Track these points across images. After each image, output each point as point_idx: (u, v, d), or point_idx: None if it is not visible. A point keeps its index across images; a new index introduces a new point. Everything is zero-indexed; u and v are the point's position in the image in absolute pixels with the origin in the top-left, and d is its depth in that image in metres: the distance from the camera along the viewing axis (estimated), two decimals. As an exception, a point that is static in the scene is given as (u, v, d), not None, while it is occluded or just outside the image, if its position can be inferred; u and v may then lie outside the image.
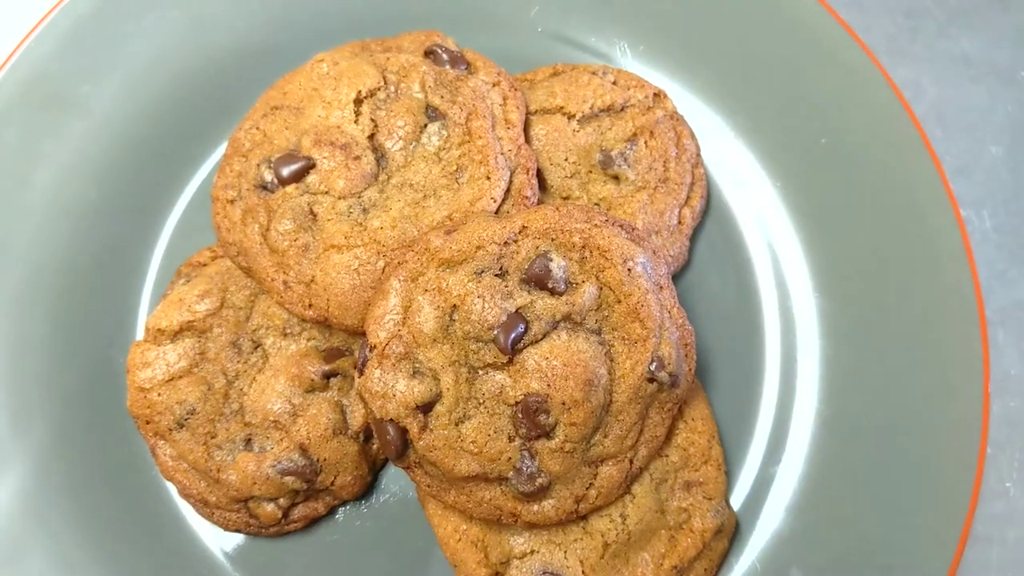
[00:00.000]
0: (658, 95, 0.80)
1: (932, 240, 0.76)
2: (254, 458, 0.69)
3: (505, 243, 0.61)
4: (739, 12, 0.82)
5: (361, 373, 0.62)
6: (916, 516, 0.71)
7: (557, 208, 0.63)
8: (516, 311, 0.60)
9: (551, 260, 0.61)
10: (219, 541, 0.75)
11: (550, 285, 0.61)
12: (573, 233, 0.62)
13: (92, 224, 0.80)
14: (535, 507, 0.63)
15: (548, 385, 0.60)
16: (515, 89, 0.74)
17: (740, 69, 0.82)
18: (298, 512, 0.73)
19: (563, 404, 0.60)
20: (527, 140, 0.75)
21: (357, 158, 0.68)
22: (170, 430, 0.70)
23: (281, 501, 0.71)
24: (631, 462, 0.64)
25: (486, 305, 0.60)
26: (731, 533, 0.72)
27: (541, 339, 0.61)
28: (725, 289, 0.80)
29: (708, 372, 0.76)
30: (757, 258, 0.80)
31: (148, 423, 0.71)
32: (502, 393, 0.61)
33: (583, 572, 0.66)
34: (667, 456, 0.71)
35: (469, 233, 0.62)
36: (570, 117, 0.77)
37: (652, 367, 0.61)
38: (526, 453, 0.61)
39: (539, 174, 0.74)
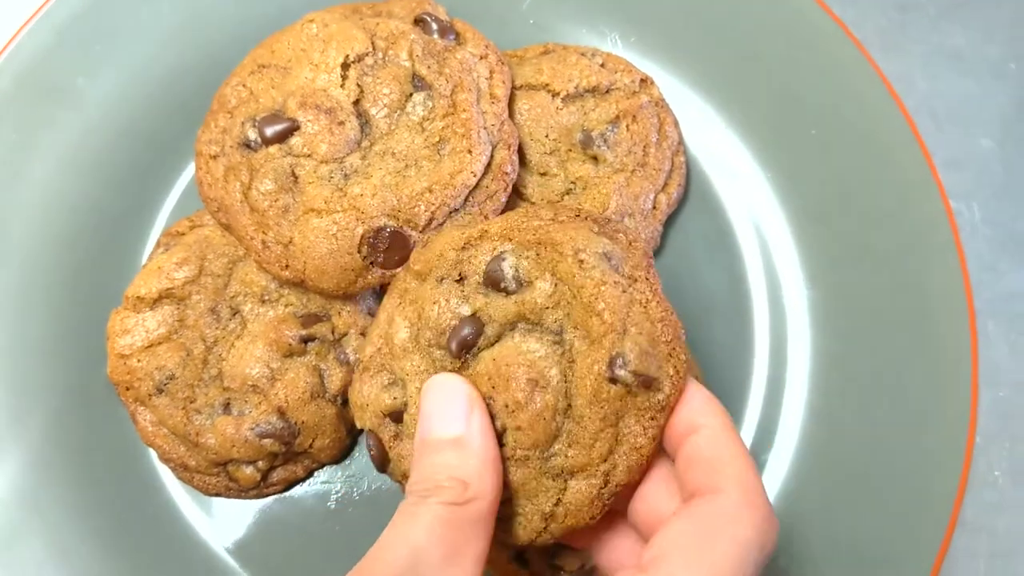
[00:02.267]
0: (645, 81, 0.80)
1: (922, 232, 0.76)
2: (233, 422, 0.70)
3: (463, 248, 0.60)
4: (731, 4, 0.83)
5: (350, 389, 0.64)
6: (905, 504, 0.71)
7: (525, 211, 0.62)
8: (471, 315, 0.58)
9: (504, 260, 0.58)
10: (216, 531, 0.75)
11: (502, 286, 0.58)
12: (529, 231, 0.59)
13: (88, 215, 0.80)
14: (502, 527, 0.58)
15: (493, 387, 0.57)
16: (502, 63, 0.75)
17: (732, 60, 0.83)
18: (277, 475, 0.73)
19: (507, 407, 0.56)
20: (511, 114, 0.75)
21: (341, 123, 0.68)
22: (150, 395, 0.71)
23: (260, 464, 0.71)
24: (605, 478, 0.57)
25: (440, 311, 0.59)
26: None
27: (496, 342, 0.59)
28: (715, 279, 0.80)
29: (697, 360, 0.76)
30: (747, 248, 0.80)
31: (128, 389, 0.71)
32: None
33: None
34: None
35: (434, 243, 0.61)
36: (555, 95, 0.77)
37: (614, 366, 0.54)
38: None
39: (520, 149, 0.74)
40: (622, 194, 0.76)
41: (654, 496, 0.57)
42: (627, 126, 0.77)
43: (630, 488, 0.57)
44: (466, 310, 0.59)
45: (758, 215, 0.80)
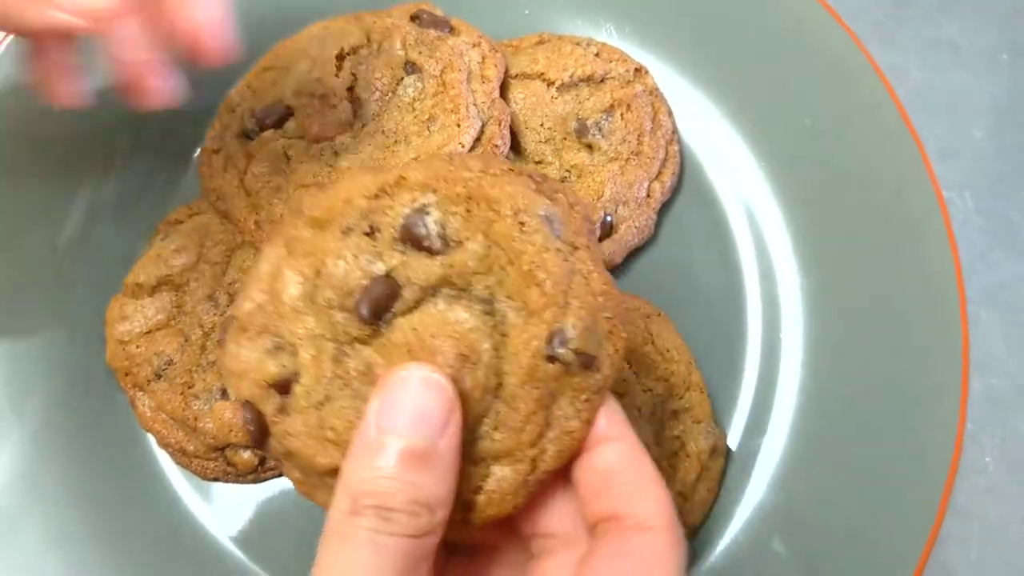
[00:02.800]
0: (639, 70, 0.81)
1: (915, 221, 0.76)
2: (231, 406, 0.70)
3: (376, 196, 0.51)
4: (726, -5, 0.84)
5: (220, 348, 0.53)
6: (897, 490, 0.71)
7: (450, 157, 0.53)
8: (384, 275, 0.49)
9: (427, 214, 0.50)
10: (214, 516, 0.76)
11: (425, 244, 0.49)
12: (457, 183, 0.51)
13: (88, 203, 0.80)
14: None
15: (415, 360, 0.48)
16: (495, 51, 0.76)
17: (726, 51, 0.83)
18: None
19: None
20: (506, 102, 0.76)
21: (333, 106, 0.70)
22: (148, 381, 0.72)
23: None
24: (533, 464, 0.50)
25: (348, 267, 0.49)
26: (724, 451, 0.73)
27: (415, 308, 0.50)
28: (709, 267, 0.80)
29: (692, 348, 0.76)
30: (740, 237, 0.81)
31: (127, 375, 0.72)
32: (369, 372, 0.49)
33: None
34: (651, 390, 0.72)
35: (338, 187, 0.52)
36: (550, 84, 0.78)
37: (553, 343, 0.48)
38: None
39: (514, 138, 0.75)
40: (616, 182, 0.76)
41: (546, 507, 0.51)
42: (621, 115, 0.78)
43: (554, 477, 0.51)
44: (380, 268, 0.49)
45: (752, 204, 0.81)
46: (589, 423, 0.49)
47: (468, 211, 0.50)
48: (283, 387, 0.50)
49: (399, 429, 0.44)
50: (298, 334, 0.50)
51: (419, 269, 0.49)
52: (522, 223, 0.49)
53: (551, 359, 0.48)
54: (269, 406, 0.50)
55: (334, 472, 0.49)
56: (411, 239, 0.50)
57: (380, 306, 0.49)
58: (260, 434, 0.51)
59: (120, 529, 0.74)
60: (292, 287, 0.50)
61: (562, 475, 0.50)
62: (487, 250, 0.49)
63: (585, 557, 0.47)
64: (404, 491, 0.44)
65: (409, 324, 0.49)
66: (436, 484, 0.45)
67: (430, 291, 0.50)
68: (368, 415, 0.45)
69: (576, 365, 0.48)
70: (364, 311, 0.49)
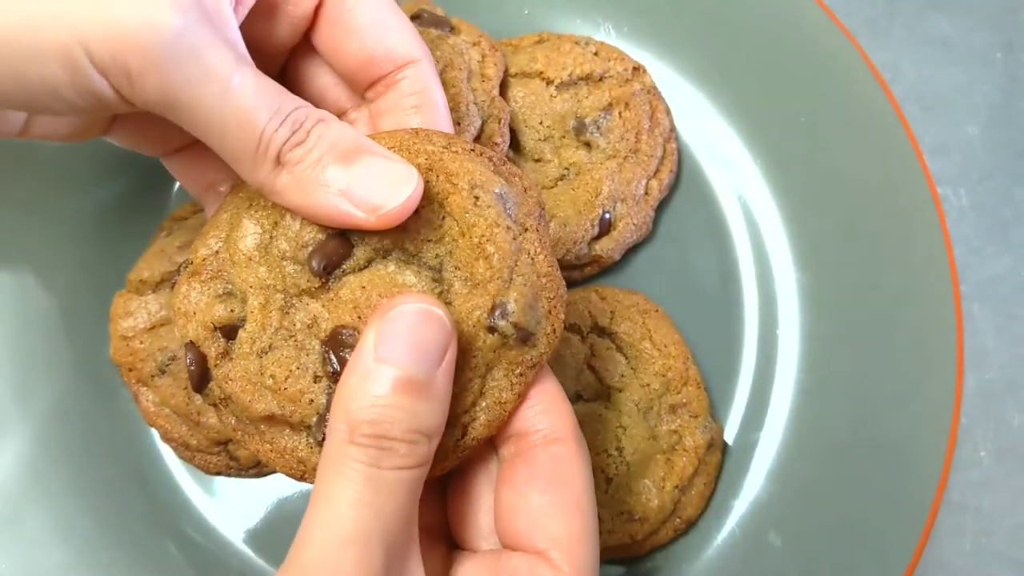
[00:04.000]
0: (637, 69, 0.82)
1: (909, 217, 0.77)
2: (231, 402, 0.71)
3: None
4: (723, -6, 0.84)
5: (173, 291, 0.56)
6: (892, 484, 0.72)
7: (415, 131, 0.55)
8: (340, 233, 0.52)
9: None
10: (217, 510, 0.76)
11: None
12: (420, 154, 0.53)
13: (93, 198, 0.81)
14: None
15: (359, 318, 0.51)
16: (495, 49, 0.76)
17: (722, 49, 0.84)
18: (275, 455, 0.74)
19: None
20: (506, 101, 0.77)
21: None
22: (152, 376, 0.72)
23: (260, 443, 0.72)
24: (464, 430, 0.52)
25: (303, 222, 0.52)
26: (721, 445, 0.74)
27: (364, 267, 0.52)
28: (706, 262, 0.81)
29: (689, 343, 0.77)
30: (737, 233, 0.81)
31: (131, 370, 0.73)
32: (314, 325, 0.52)
33: None
34: (648, 385, 0.73)
35: None
36: (549, 82, 0.79)
37: (495, 315, 0.50)
38: (332, 397, 0.51)
39: (513, 136, 0.76)
40: (614, 179, 0.77)
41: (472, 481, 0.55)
42: (619, 113, 0.79)
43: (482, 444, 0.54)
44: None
45: (748, 200, 0.81)
46: (521, 396, 0.52)
47: (427, 182, 0.51)
48: (229, 332, 0.53)
49: (398, 359, 0.45)
50: (249, 282, 0.52)
51: (373, 232, 0.51)
52: (477, 197, 0.51)
53: (491, 330, 0.50)
54: (212, 350, 0.53)
55: (270, 419, 0.52)
56: None
57: (331, 261, 0.51)
58: (201, 377, 0.53)
59: (124, 522, 0.74)
60: (249, 237, 0.53)
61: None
62: (441, 220, 0.52)
63: (502, 471, 0.52)
64: (403, 419, 0.45)
65: (358, 282, 0.51)
66: (433, 413, 0.46)
67: (381, 253, 0.52)
68: (365, 344, 0.46)
69: (514, 339, 0.50)
70: (315, 264, 0.51)
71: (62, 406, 0.76)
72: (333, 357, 0.50)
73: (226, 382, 0.52)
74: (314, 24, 0.58)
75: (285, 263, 0.52)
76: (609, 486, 0.70)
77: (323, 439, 0.49)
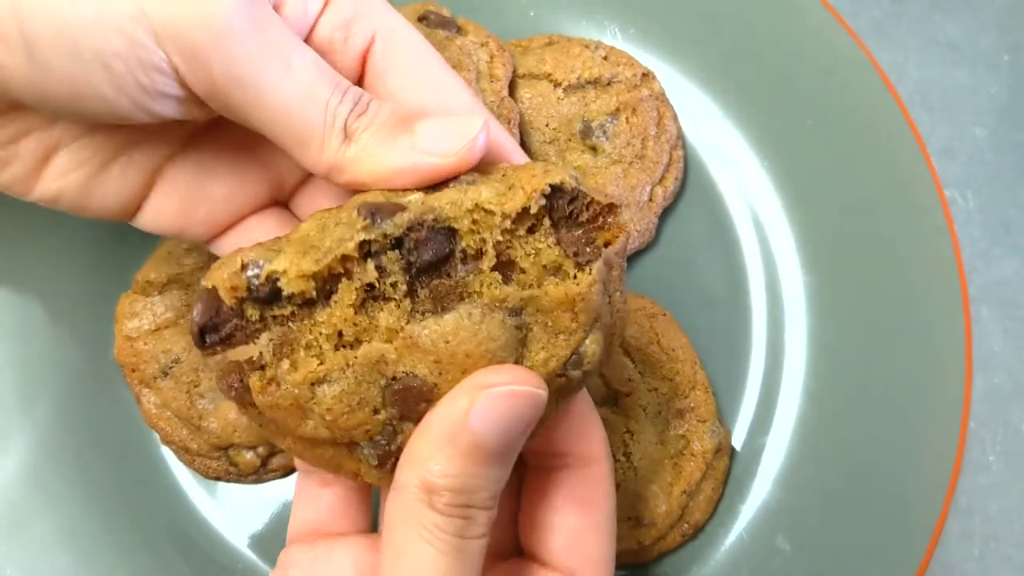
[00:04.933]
0: (646, 75, 0.81)
1: (916, 219, 0.77)
2: (235, 407, 0.70)
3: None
4: (728, -3, 0.84)
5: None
6: (900, 487, 0.72)
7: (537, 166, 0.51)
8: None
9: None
10: (220, 513, 0.76)
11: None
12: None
13: None
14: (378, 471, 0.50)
15: (440, 373, 0.46)
16: (503, 50, 0.76)
17: (729, 52, 0.84)
18: (276, 461, 0.74)
19: (441, 395, 0.47)
20: (512, 100, 0.76)
21: None
22: (155, 378, 0.72)
23: (260, 450, 0.72)
24: None
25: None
26: (729, 450, 0.74)
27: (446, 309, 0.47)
28: (712, 268, 0.81)
29: (697, 348, 0.77)
30: (744, 237, 0.81)
31: (134, 371, 0.72)
32: (380, 363, 0.47)
33: None
34: (656, 389, 0.73)
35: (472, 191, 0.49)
36: (556, 85, 0.78)
37: (568, 364, 0.48)
38: (390, 429, 0.48)
39: (520, 137, 0.75)
40: (619, 185, 0.77)
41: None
42: (627, 118, 0.78)
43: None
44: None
45: (755, 204, 0.81)
46: (560, 415, 0.52)
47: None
48: (272, 295, 0.47)
49: (493, 434, 0.44)
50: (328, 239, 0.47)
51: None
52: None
53: (560, 375, 0.48)
54: (258, 381, 0.47)
55: (314, 441, 0.48)
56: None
57: (433, 259, 0.47)
58: (241, 399, 0.49)
59: (127, 525, 0.74)
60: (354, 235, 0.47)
61: None
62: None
63: (535, 487, 0.52)
64: (487, 488, 0.44)
65: (441, 333, 0.46)
66: (506, 476, 0.46)
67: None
68: (456, 408, 0.44)
69: (577, 381, 0.49)
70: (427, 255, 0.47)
71: (66, 409, 0.75)
72: (405, 405, 0.47)
73: (271, 410, 0.48)
74: (361, 80, 0.55)
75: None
76: (617, 491, 0.70)
77: (378, 463, 0.48)
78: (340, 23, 0.52)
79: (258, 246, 0.48)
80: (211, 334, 0.48)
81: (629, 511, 0.70)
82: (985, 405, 0.81)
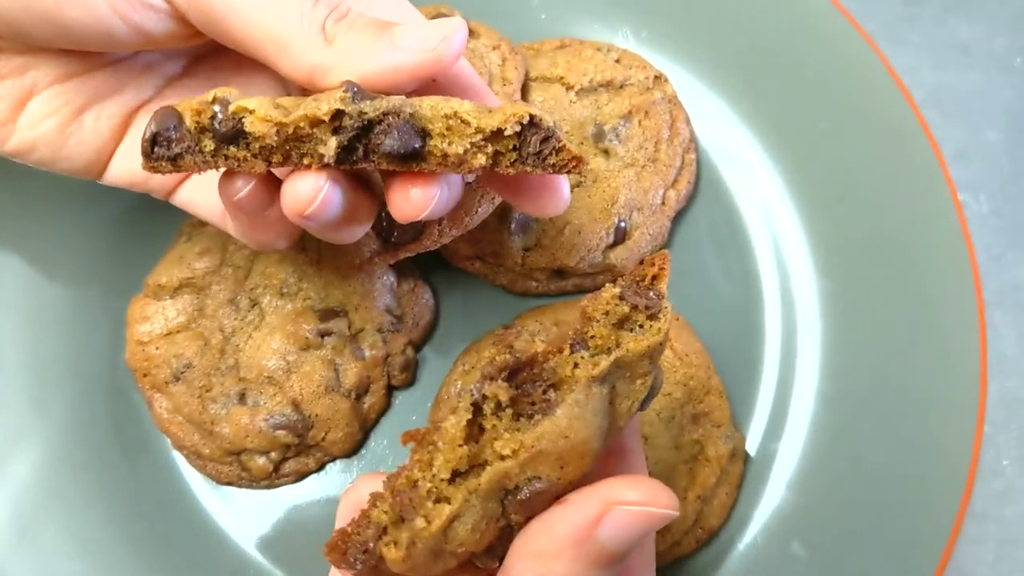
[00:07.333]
0: (659, 78, 0.81)
1: (930, 223, 0.77)
2: (247, 412, 0.70)
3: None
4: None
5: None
6: (915, 493, 0.72)
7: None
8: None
9: None
10: (232, 518, 0.75)
11: None
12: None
13: (112, 203, 0.79)
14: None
15: (562, 468, 0.45)
16: (515, 53, 0.76)
17: (742, 55, 0.83)
18: (289, 467, 0.74)
19: (563, 484, 0.46)
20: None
21: None
22: (167, 383, 0.72)
23: (272, 455, 0.72)
24: None
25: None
26: (743, 455, 0.74)
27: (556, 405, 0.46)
28: (725, 271, 0.80)
29: (710, 352, 0.76)
30: (758, 240, 0.81)
31: (145, 376, 0.72)
32: (504, 478, 0.45)
33: None
34: (671, 394, 0.72)
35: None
36: (569, 88, 0.78)
37: (644, 402, 0.49)
38: (507, 532, 0.47)
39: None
40: (631, 188, 0.76)
41: None
42: (639, 122, 0.78)
43: None
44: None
45: (769, 207, 0.81)
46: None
47: None
48: (233, 134, 0.48)
49: (622, 543, 0.44)
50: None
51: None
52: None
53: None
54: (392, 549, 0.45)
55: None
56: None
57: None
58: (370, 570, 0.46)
59: (140, 531, 0.74)
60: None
61: None
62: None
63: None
64: None
65: (559, 432, 0.44)
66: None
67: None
68: (584, 515, 0.44)
69: (636, 409, 0.49)
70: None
71: (78, 413, 0.75)
72: (532, 511, 0.46)
73: (412, 569, 0.45)
74: None
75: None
76: None
77: (479, 562, 0.47)
78: None
79: (236, 91, 0.50)
80: (161, 147, 0.49)
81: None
82: (999, 410, 0.81)
